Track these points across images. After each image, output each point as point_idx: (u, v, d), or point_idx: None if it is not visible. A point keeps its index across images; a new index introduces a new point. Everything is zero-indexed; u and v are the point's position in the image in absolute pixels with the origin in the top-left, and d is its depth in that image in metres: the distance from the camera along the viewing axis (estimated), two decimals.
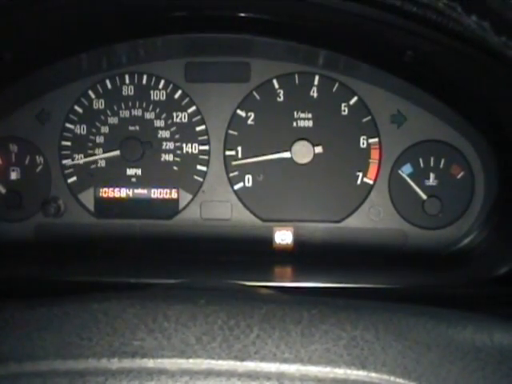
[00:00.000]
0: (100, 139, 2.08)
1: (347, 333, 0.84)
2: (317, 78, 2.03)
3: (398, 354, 0.81)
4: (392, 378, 0.78)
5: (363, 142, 2.04)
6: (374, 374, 0.78)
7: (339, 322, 0.86)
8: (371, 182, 2.04)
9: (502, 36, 0.80)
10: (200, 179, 2.07)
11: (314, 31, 1.74)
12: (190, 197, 2.08)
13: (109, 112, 2.07)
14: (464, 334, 0.87)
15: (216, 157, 2.06)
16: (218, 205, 2.07)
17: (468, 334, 0.87)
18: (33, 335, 0.86)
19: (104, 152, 2.08)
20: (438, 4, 0.81)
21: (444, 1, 0.79)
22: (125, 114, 2.07)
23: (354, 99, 2.03)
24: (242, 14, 1.69)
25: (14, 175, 2.09)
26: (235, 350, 0.81)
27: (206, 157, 2.07)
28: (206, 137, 2.06)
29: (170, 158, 2.07)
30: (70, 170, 2.09)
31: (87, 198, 2.10)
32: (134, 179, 2.08)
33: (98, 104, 2.08)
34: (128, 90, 2.07)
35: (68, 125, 2.08)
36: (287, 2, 1.54)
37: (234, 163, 2.07)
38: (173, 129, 2.07)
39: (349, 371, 0.78)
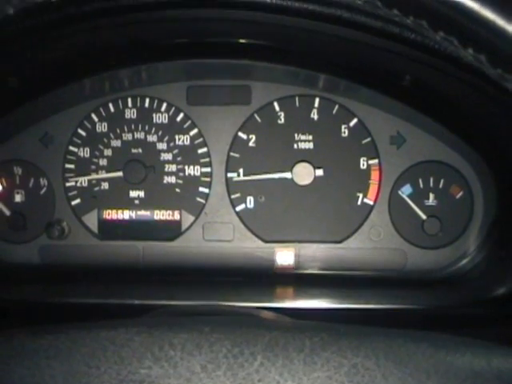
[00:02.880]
0: (103, 162, 2.10)
1: (348, 360, 0.86)
2: (317, 100, 2.06)
3: (398, 381, 0.83)
4: None
5: (363, 164, 2.06)
6: None
7: (340, 349, 0.88)
8: (371, 203, 2.07)
9: (497, 68, 0.82)
10: (202, 201, 2.09)
11: (313, 57, 1.77)
12: (192, 218, 2.10)
13: (112, 135, 2.10)
14: (462, 360, 0.89)
15: (218, 179, 2.09)
16: (220, 226, 2.09)
17: (466, 359, 0.89)
18: (41, 363, 0.88)
19: (107, 174, 2.10)
20: (436, 37, 0.83)
21: (441, 34, 0.81)
22: (127, 136, 2.10)
23: (354, 121, 2.05)
24: (242, 41, 1.72)
25: (18, 197, 2.11)
26: (239, 378, 0.83)
27: (208, 179, 2.09)
28: (207, 159, 2.08)
29: (172, 180, 2.10)
30: (74, 193, 2.11)
31: (91, 219, 2.12)
32: (136, 201, 2.11)
33: (101, 127, 2.10)
34: (131, 113, 2.10)
35: (71, 148, 2.10)
36: (286, 29, 1.56)
37: (236, 179, 2.08)
38: (175, 151, 2.09)
39: None
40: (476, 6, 0.75)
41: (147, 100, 2.09)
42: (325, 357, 0.87)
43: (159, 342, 0.89)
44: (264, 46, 1.75)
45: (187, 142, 2.09)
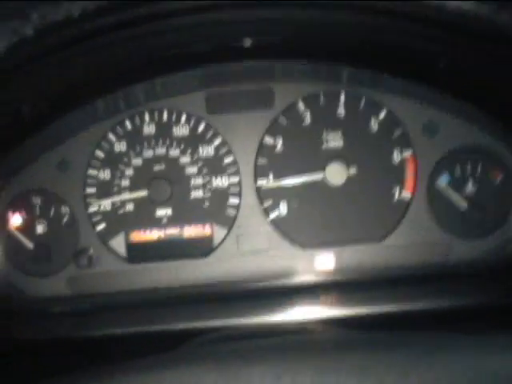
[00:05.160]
0: (125, 182, 2.01)
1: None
2: (342, 95, 1.98)
3: None
4: None
5: (397, 157, 1.99)
6: None
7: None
8: (409, 197, 1.99)
9: None
10: (233, 212, 2.01)
11: (338, 48, 1.69)
12: (224, 232, 2.01)
13: (131, 153, 2.01)
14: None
15: (247, 188, 2.00)
16: (255, 237, 2.01)
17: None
18: None
19: (131, 195, 2.01)
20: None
21: None
22: (148, 153, 2.01)
23: (383, 113, 1.98)
24: (261, 40, 1.65)
25: (40, 229, 2.02)
26: None
27: (237, 189, 2.01)
28: (235, 168, 2.00)
29: (199, 194, 2.01)
30: (98, 218, 2.02)
31: (118, 244, 2.02)
32: (164, 220, 2.01)
33: (120, 146, 2.02)
34: (149, 129, 2.01)
35: (91, 171, 2.01)
36: (306, 21, 1.48)
37: (266, 187, 2.00)
38: (200, 164, 2.01)
39: None
40: None
41: (165, 113, 2.01)
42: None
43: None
44: (283, 43, 1.67)
45: (211, 153, 2.01)
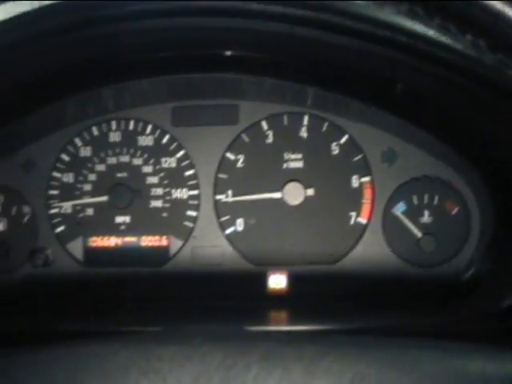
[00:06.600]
0: (88, 187, 2.05)
1: (351, 368, 0.80)
2: (306, 117, 2.02)
3: None
4: None
5: (355, 182, 2.01)
6: None
7: (342, 357, 0.82)
8: (365, 222, 2.01)
9: (498, 54, 0.77)
10: (190, 225, 2.03)
11: (302, 67, 1.72)
12: (180, 243, 2.04)
13: (96, 159, 2.05)
14: (473, 365, 0.83)
15: (206, 201, 2.03)
16: (210, 250, 2.03)
17: (477, 364, 0.83)
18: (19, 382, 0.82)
19: (92, 200, 2.04)
20: (432, 25, 0.78)
21: (437, 21, 0.76)
22: (112, 160, 2.04)
23: (345, 138, 2.01)
24: (229, 53, 1.67)
25: (0, 226, 2.04)
26: None
27: (195, 202, 2.03)
28: (195, 181, 2.03)
29: (159, 204, 2.04)
30: (58, 220, 2.05)
31: (76, 247, 2.05)
32: (123, 227, 2.04)
33: (85, 152, 2.05)
34: (115, 137, 2.05)
35: (55, 173, 2.05)
36: (273, 39, 1.51)
37: (224, 201, 2.03)
38: (161, 174, 2.04)
39: None
40: None
41: (132, 122, 2.05)
42: (325, 366, 0.80)
43: (146, 355, 0.82)
44: (251, 58, 1.70)
45: (173, 165, 2.04)
